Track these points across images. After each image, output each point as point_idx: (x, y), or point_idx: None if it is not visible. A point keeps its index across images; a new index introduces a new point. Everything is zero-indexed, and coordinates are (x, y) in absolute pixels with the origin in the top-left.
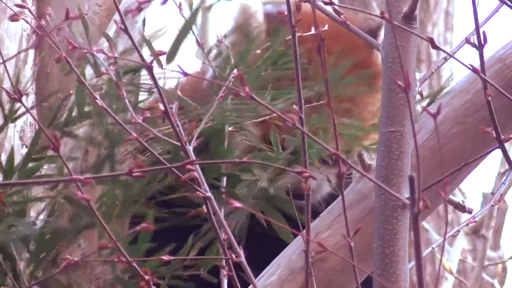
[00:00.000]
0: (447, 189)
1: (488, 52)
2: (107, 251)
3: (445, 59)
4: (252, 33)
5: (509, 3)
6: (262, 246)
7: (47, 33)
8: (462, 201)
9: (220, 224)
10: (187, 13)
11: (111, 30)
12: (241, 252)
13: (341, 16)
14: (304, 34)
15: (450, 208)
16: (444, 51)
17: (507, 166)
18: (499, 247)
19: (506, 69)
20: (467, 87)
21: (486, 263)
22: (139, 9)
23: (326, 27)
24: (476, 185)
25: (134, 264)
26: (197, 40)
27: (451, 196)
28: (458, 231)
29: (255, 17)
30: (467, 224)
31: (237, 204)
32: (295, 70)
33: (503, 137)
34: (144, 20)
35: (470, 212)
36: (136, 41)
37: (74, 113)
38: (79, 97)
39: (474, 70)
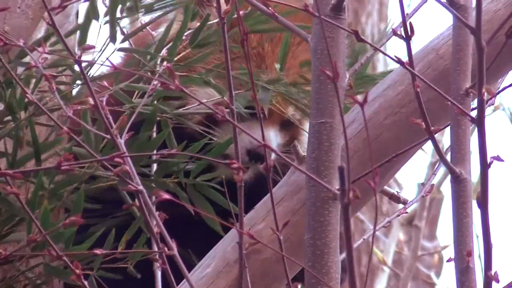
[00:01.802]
0: (378, 180)
1: (421, 42)
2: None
3: (377, 50)
4: None
5: None
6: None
7: None
8: (397, 191)
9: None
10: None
11: (44, 23)
12: (173, 245)
13: (269, 8)
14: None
15: (386, 199)
16: (370, 44)
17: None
18: (435, 238)
19: (439, 59)
20: (400, 77)
21: (420, 253)
22: (62, 7)
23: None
24: (414, 175)
25: (65, 258)
26: (121, 29)
27: (386, 187)
28: (390, 222)
29: None
30: (399, 215)
31: (166, 196)
32: (225, 62)
33: (432, 128)
34: (77, 13)
35: (405, 202)
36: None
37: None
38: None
39: (400, 62)
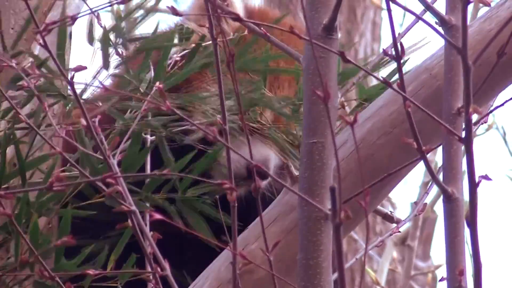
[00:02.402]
0: (370, 200)
1: (415, 61)
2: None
3: (366, 72)
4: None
5: (424, 18)
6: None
7: None
8: (390, 211)
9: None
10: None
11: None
12: (166, 265)
13: (261, 28)
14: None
15: (379, 218)
16: (357, 65)
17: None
18: (428, 257)
19: (432, 78)
20: (393, 97)
21: (413, 273)
22: (48, 30)
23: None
24: (408, 195)
25: (57, 279)
26: (116, 51)
27: (379, 207)
28: (382, 241)
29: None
30: (391, 234)
31: (158, 216)
32: (218, 82)
33: (424, 147)
34: (70, 34)
35: (398, 222)
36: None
37: None
38: None
39: (389, 85)
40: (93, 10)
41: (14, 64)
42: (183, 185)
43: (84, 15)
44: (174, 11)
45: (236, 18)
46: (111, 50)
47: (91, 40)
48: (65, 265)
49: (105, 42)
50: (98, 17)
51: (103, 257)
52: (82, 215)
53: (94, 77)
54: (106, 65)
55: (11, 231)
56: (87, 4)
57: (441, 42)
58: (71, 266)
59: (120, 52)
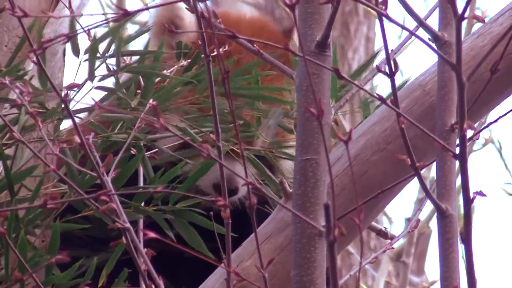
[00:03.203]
0: (364, 216)
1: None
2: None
3: (359, 88)
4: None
5: (418, 34)
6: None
7: None
8: (384, 227)
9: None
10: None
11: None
12: (161, 282)
13: (254, 45)
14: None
15: (374, 234)
16: (352, 82)
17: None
18: (423, 272)
19: (425, 95)
20: (387, 114)
21: None
22: (43, 48)
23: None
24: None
25: None
26: (107, 67)
27: (373, 223)
28: (376, 257)
29: (181, 14)
30: (385, 251)
31: (152, 234)
32: (210, 98)
33: (418, 164)
34: (64, 51)
35: (392, 238)
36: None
37: None
38: None
39: (383, 101)
40: (87, 28)
41: (7, 81)
42: (173, 197)
43: (78, 34)
44: (170, 29)
45: (231, 35)
46: (98, 63)
47: (76, 52)
48: (56, 278)
49: (93, 54)
50: (89, 34)
51: (92, 268)
52: (74, 229)
53: (78, 90)
54: (91, 77)
55: (1, 246)
56: (79, 23)
57: (434, 59)
58: (62, 279)
59: (110, 67)
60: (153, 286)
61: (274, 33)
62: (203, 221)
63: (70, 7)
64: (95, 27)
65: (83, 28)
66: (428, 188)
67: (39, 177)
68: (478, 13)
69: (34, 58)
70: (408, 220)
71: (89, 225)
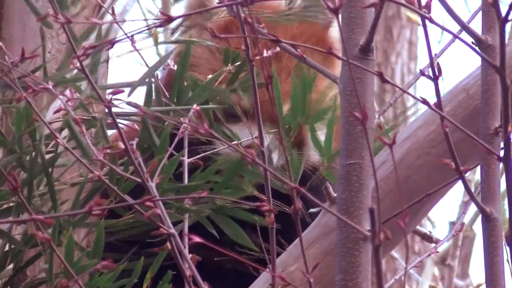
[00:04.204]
0: (408, 220)
1: (453, 81)
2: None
3: (403, 92)
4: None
5: (461, 37)
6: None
7: (5, 73)
8: (429, 231)
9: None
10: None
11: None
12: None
13: (298, 50)
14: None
15: (418, 238)
16: (396, 85)
17: None
18: (467, 276)
19: (469, 99)
20: (431, 118)
21: None
22: (86, 55)
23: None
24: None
25: None
26: (155, 77)
27: (418, 227)
28: (421, 261)
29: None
30: (429, 254)
31: (197, 239)
32: (254, 104)
33: (462, 167)
34: (107, 59)
35: (437, 242)
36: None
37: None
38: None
39: (427, 104)
40: (130, 34)
41: (51, 87)
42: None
43: (121, 40)
44: (213, 34)
45: (274, 39)
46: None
47: None
48: (100, 281)
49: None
50: (132, 40)
51: (138, 269)
52: (116, 229)
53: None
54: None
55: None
56: (122, 29)
57: (477, 62)
58: (107, 282)
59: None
60: None
61: (316, 26)
62: (246, 215)
63: (113, 13)
64: (138, 33)
65: (126, 34)
66: (473, 191)
67: (79, 184)
68: None
69: (78, 64)
70: (452, 223)
71: (132, 226)
